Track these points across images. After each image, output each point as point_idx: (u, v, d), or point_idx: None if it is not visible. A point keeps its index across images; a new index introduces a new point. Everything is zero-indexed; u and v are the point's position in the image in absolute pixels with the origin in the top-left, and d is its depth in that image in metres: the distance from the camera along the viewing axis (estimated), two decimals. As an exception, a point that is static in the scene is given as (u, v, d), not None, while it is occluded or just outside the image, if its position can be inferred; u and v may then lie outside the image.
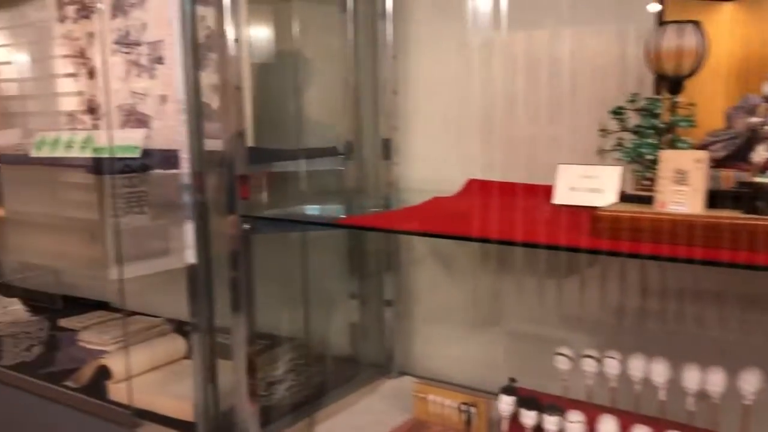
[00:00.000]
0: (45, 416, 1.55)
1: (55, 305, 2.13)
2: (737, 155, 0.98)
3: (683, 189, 0.91)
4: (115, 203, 1.58)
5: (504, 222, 1.10)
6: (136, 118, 1.60)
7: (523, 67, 1.38)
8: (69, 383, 1.53)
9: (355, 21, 1.49)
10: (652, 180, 0.97)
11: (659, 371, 1.09)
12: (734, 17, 1.06)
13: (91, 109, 1.78)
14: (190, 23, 1.19)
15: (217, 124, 1.22)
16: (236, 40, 1.13)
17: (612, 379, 1.13)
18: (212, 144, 1.23)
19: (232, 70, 1.15)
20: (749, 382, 1.02)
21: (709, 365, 1.05)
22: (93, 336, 1.77)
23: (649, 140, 1.01)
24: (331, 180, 1.55)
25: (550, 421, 1.11)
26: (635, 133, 1.04)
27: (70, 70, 1.83)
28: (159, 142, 1.53)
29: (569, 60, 1.32)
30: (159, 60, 1.56)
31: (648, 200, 0.96)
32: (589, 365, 1.15)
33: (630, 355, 1.12)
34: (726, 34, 1.05)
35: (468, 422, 1.27)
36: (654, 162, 0.98)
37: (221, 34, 1.14)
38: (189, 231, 1.21)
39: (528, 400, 1.15)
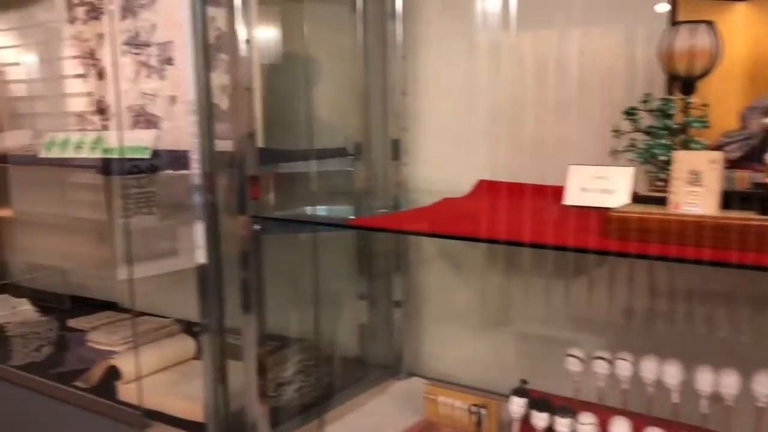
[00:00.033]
0: (55, 416, 1.55)
1: (64, 306, 2.13)
2: (752, 156, 0.97)
3: (697, 190, 0.90)
4: (125, 204, 1.58)
5: (515, 223, 1.10)
6: (145, 119, 1.61)
7: (533, 68, 1.37)
8: (79, 383, 1.53)
9: (364, 21, 1.49)
10: (665, 181, 0.97)
11: (672, 373, 1.08)
12: (747, 17, 1.05)
13: (101, 110, 1.79)
14: (201, 24, 1.19)
15: (227, 125, 1.22)
16: (248, 41, 1.13)
17: (624, 380, 1.13)
18: (222, 145, 1.23)
19: (243, 71, 1.15)
20: (763, 384, 1.01)
21: (722, 367, 1.05)
22: (102, 336, 1.78)
23: (663, 141, 1.01)
24: (340, 181, 1.55)
25: (562, 423, 1.11)
26: (648, 133, 1.04)
27: (80, 71, 1.84)
28: (168, 143, 1.53)
29: (578, 60, 1.32)
30: (168, 61, 1.56)
31: (661, 201, 0.95)
32: (600, 367, 1.15)
33: (642, 356, 1.11)
34: (739, 34, 1.05)
35: (478, 424, 1.26)
36: (667, 163, 0.97)
37: (232, 35, 1.14)
38: (199, 231, 1.21)
39: (539, 401, 1.15)
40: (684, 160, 0.93)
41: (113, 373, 1.49)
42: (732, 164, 0.97)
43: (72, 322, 1.97)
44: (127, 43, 1.63)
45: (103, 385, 1.51)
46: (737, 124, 1.02)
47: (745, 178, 0.96)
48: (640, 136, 1.05)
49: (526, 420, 1.16)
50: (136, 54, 1.61)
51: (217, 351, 1.26)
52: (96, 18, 1.75)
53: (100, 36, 1.76)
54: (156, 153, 1.52)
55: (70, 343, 1.82)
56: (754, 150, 0.97)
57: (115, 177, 1.66)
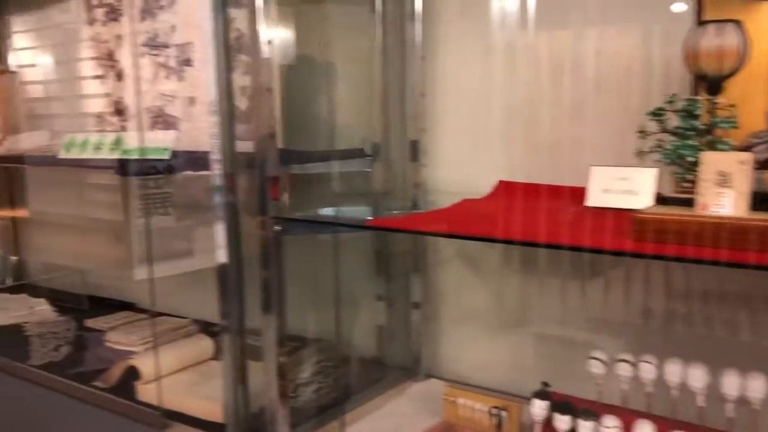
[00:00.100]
0: (74, 416, 1.56)
1: (81, 305, 2.15)
2: (781, 157, 0.96)
3: (726, 191, 0.89)
4: (146, 204, 1.58)
5: (539, 224, 1.09)
6: (164, 120, 1.61)
7: (551, 68, 1.36)
8: (98, 383, 1.54)
9: (383, 22, 1.49)
10: (692, 182, 0.96)
11: (697, 376, 1.07)
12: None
13: (119, 111, 1.80)
14: (222, 25, 1.19)
15: (246, 126, 1.23)
16: (269, 42, 1.13)
17: (648, 384, 1.11)
18: (242, 146, 1.24)
19: (264, 72, 1.15)
20: (791, 388, 1.00)
21: (749, 371, 1.03)
22: (120, 336, 1.78)
23: (690, 142, 1.00)
24: (359, 182, 1.55)
25: (585, 426, 1.10)
26: (674, 134, 1.02)
27: (98, 72, 1.85)
28: (186, 144, 1.54)
29: (597, 61, 1.31)
30: (187, 62, 1.56)
31: (687, 203, 0.94)
32: (624, 370, 1.14)
33: (666, 359, 1.10)
34: (766, 33, 1.03)
35: (499, 426, 1.26)
36: (694, 164, 0.96)
37: (254, 36, 1.14)
38: (220, 231, 1.22)
39: (562, 404, 1.14)
40: (712, 162, 0.92)
41: (132, 373, 1.50)
42: (761, 165, 0.96)
43: (90, 322, 1.98)
44: (145, 45, 1.63)
45: (122, 385, 1.51)
46: (765, 125, 1.00)
47: (774, 180, 0.95)
48: (666, 137, 1.04)
49: (548, 423, 1.15)
50: (154, 55, 1.62)
51: (237, 351, 1.26)
52: (115, 19, 1.76)
53: (119, 37, 1.77)
54: (174, 154, 1.52)
55: (89, 342, 1.83)
56: (783, 151, 0.96)
57: (132, 178, 1.67)
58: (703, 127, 1.00)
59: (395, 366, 1.60)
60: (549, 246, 1.00)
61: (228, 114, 1.21)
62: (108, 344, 1.79)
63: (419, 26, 1.47)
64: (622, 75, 1.28)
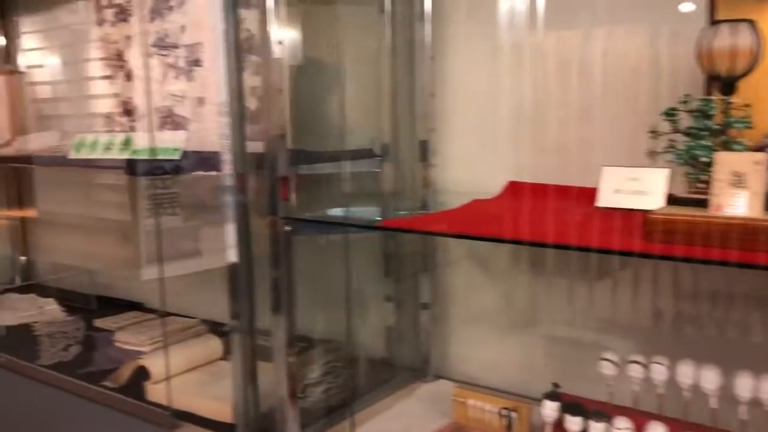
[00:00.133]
0: (84, 416, 1.56)
1: (90, 305, 2.15)
2: (795, 157, 0.95)
3: (740, 192, 0.89)
4: (155, 204, 1.59)
5: (551, 225, 1.09)
6: (173, 120, 1.62)
7: (561, 69, 1.36)
8: (107, 383, 1.54)
9: (392, 22, 1.49)
10: (706, 183, 0.95)
11: (709, 378, 1.06)
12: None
13: (128, 111, 1.80)
14: (232, 26, 1.19)
15: (256, 126, 1.23)
16: (280, 43, 1.13)
17: (659, 385, 1.11)
18: (252, 146, 1.24)
19: (275, 72, 1.15)
20: (805, 390, 0.99)
21: (762, 373, 1.03)
22: (129, 336, 1.79)
23: (703, 142, 0.99)
24: (368, 182, 1.55)
25: (596, 428, 1.09)
26: (687, 134, 1.02)
27: (107, 72, 1.86)
28: (195, 144, 1.54)
29: (606, 61, 1.31)
30: (197, 62, 1.56)
31: (699, 203, 0.94)
32: (635, 371, 1.13)
33: (677, 360, 1.09)
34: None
35: (509, 428, 1.25)
36: (708, 164, 0.96)
37: (265, 36, 1.14)
38: (230, 232, 1.22)
39: (573, 405, 1.14)
40: (726, 162, 0.91)
41: (142, 373, 1.50)
42: (775, 166, 0.95)
43: (98, 322, 1.99)
44: (155, 45, 1.64)
45: (131, 385, 1.52)
46: (779, 125, 1.00)
47: (789, 180, 0.94)
48: (678, 137, 1.03)
49: (559, 424, 1.14)
50: (164, 56, 1.62)
51: (247, 351, 1.26)
52: (124, 20, 1.76)
53: (128, 38, 1.77)
54: (183, 154, 1.52)
55: (98, 342, 1.83)
56: (798, 151, 0.95)
57: (140, 178, 1.67)
58: (717, 127, 1.00)
59: (404, 367, 1.60)
60: (560, 247, 1.00)
61: (238, 114, 1.21)
62: (117, 344, 1.79)
63: (428, 27, 1.47)
64: (631, 75, 1.28)
